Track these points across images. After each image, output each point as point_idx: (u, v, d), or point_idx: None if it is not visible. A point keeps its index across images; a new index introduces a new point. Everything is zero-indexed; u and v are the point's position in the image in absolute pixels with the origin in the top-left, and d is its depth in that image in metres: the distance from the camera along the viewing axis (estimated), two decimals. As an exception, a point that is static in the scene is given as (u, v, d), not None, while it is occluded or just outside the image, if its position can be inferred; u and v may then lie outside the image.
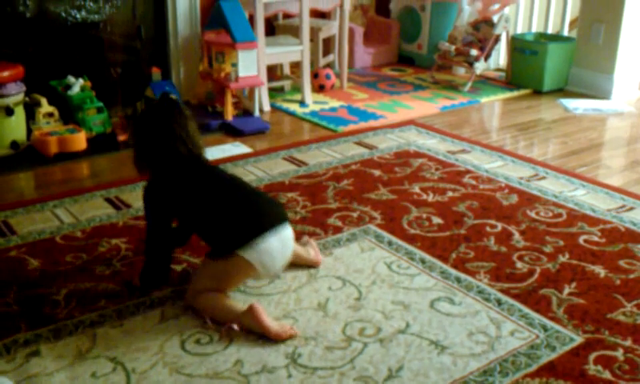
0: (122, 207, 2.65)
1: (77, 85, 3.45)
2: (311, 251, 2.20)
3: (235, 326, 1.85)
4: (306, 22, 4.03)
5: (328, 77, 4.40)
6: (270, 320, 1.83)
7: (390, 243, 2.36)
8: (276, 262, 1.90)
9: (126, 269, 2.18)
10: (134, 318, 1.92)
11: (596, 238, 2.41)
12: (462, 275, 2.15)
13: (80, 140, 3.21)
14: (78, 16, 3.78)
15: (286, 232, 1.93)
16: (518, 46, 4.58)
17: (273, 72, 4.41)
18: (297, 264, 2.16)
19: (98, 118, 3.39)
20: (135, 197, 2.72)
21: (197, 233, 2.00)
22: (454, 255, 2.28)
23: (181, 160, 1.97)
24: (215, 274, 1.91)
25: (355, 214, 2.58)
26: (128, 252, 2.29)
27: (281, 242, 1.90)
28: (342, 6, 4.41)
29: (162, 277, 2.06)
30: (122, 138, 3.38)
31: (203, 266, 1.98)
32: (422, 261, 2.24)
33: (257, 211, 1.92)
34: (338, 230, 2.46)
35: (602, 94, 4.33)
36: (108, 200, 2.71)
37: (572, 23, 4.99)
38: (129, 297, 2.02)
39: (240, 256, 1.85)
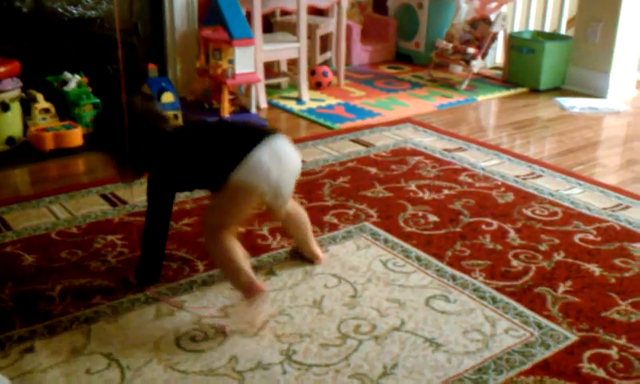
0: (117, 203, 2.64)
1: (73, 81, 3.44)
2: (316, 246, 2.21)
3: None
4: (304, 19, 4.02)
5: (325, 74, 4.40)
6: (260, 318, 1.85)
7: (385, 241, 2.36)
8: (272, 175, 1.84)
9: (121, 265, 2.18)
10: (129, 315, 1.92)
11: (591, 237, 2.42)
12: (458, 273, 2.16)
13: (76, 136, 3.20)
14: (74, 12, 3.77)
15: (278, 143, 1.89)
16: (515, 45, 4.58)
17: (270, 69, 4.41)
18: (301, 253, 2.20)
19: (94, 113, 3.38)
20: (131, 193, 2.72)
21: (201, 187, 2.05)
22: (449, 253, 2.28)
23: (168, 135, 1.97)
24: (220, 207, 1.88)
25: (351, 212, 2.58)
26: (123, 248, 2.29)
27: (273, 154, 1.85)
28: (339, 4, 4.41)
29: (156, 271, 2.05)
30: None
31: (209, 204, 1.97)
32: (418, 258, 2.25)
33: (242, 133, 1.92)
34: (334, 227, 2.46)
35: (599, 92, 4.34)
36: (104, 196, 2.71)
37: (569, 22, 4.99)
38: (124, 293, 2.01)
39: (234, 180, 1.82)
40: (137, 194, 2.71)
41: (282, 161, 1.87)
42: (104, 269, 2.16)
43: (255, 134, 1.90)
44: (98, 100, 3.41)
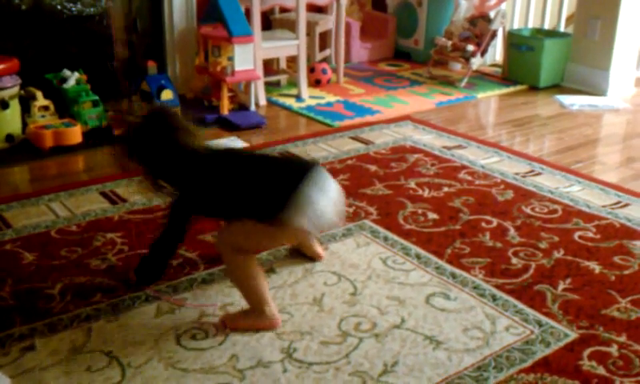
0: (117, 201, 2.64)
1: (72, 78, 3.43)
2: (317, 244, 2.21)
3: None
4: (303, 16, 4.02)
5: (324, 71, 4.40)
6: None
7: (385, 238, 2.36)
8: (321, 215, 1.75)
9: (121, 263, 2.18)
10: (129, 313, 1.92)
11: (591, 234, 2.42)
12: (457, 271, 2.16)
13: (75, 133, 3.20)
14: (73, 9, 3.77)
15: (321, 176, 1.80)
16: (514, 42, 4.58)
17: (269, 66, 4.40)
18: (302, 252, 2.20)
19: (93, 111, 3.38)
20: (130, 191, 2.71)
21: (233, 216, 1.88)
22: (449, 251, 2.28)
23: (198, 157, 1.89)
24: (256, 236, 1.82)
25: (351, 209, 2.58)
26: (123, 246, 2.29)
27: (318, 189, 1.76)
28: (338, 1, 4.40)
29: (159, 273, 2.05)
30: (117, 131, 3.37)
31: (246, 225, 1.82)
32: (418, 256, 2.25)
33: (285, 167, 1.84)
34: (333, 225, 2.46)
35: (598, 90, 4.33)
36: (103, 194, 2.71)
37: (569, 19, 4.99)
38: (125, 291, 2.01)
39: (284, 219, 1.73)
40: (133, 192, 2.71)
41: (326, 195, 1.78)
42: (104, 267, 2.16)
43: (299, 167, 1.83)
44: (97, 97, 3.40)
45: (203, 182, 1.88)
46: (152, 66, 3.54)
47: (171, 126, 1.90)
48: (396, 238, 2.37)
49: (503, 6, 4.64)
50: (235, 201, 1.84)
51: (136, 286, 2.03)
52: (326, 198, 1.78)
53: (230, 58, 3.69)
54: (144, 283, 2.04)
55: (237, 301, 1.97)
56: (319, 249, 2.21)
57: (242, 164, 1.91)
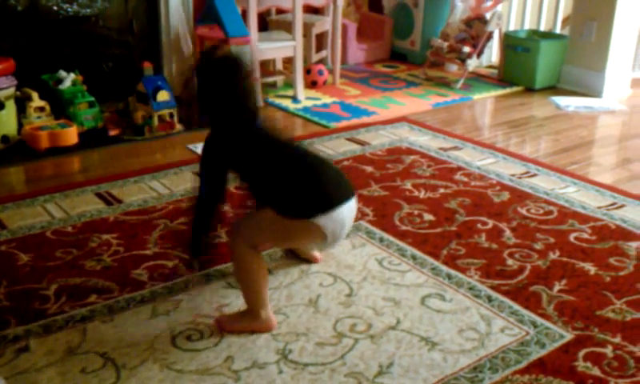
0: (112, 202, 2.64)
1: (68, 79, 3.43)
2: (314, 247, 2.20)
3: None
4: (299, 18, 4.02)
5: (320, 73, 4.40)
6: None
7: (381, 239, 2.36)
8: (343, 233, 1.83)
9: (117, 264, 2.17)
10: (124, 314, 1.91)
11: (586, 236, 2.42)
12: (453, 272, 2.16)
13: (71, 134, 3.20)
14: (69, 10, 3.76)
15: (353, 204, 1.86)
16: (510, 43, 4.59)
17: (265, 67, 4.40)
18: (299, 255, 2.20)
19: (89, 112, 3.38)
20: (126, 191, 2.71)
21: (258, 190, 1.90)
22: (445, 252, 2.29)
23: (246, 116, 1.91)
24: (278, 230, 1.82)
25: (347, 211, 2.58)
26: (119, 247, 2.28)
27: (350, 213, 1.84)
28: (335, 2, 4.41)
29: (209, 245, 2.04)
30: (113, 132, 3.37)
31: (263, 216, 1.84)
32: (413, 257, 2.25)
33: (335, 181, 1.86)
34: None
35: (594, 91, 4.34)
36: (99, 195, 2.70)
37: (565, 21, 5.00)
38: (120, 292, 2.01)
39: (315, 223, 1.76)
40: (129, 193, 2.71)
41: (348, 219, 1.84)
42: (99, 268, 2.15)
43: (344, 185, 1.87)
44: (93, 98, 3.40)
45: (253, 138, 1.89)
46: (148, 68, 3.54)
47: (241, 71, 1.91)
48: (392, 239, 2.37)
49: (499, 7, 4.65)
50: (274, 175, 1.84)
51: (191, 263, 2.09)
52: (348, 222, 1.84)
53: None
54: (199, 255, 2.06)
55: (233, 301, 1.97)
56: (315, 252, 2.20)
57: (294, 146, 1.96)
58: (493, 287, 2.07)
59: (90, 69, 3.76)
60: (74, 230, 2.41)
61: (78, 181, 2.87)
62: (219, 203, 1.98)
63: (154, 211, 2.55)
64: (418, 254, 2.27)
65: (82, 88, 3.43)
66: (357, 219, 2.50)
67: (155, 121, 3.43)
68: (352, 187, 1.89)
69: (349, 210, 1.83)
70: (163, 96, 3.45)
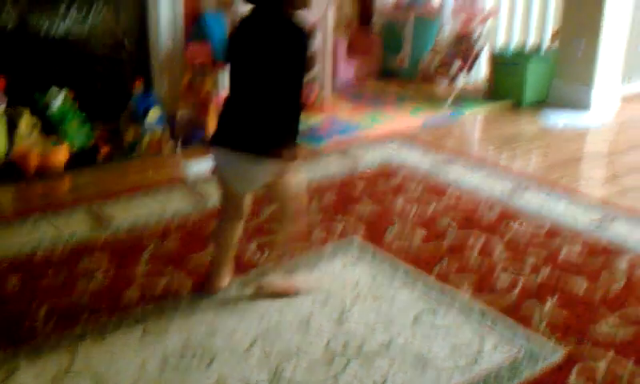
0: (103, 222, 2.62)
1: (58, 99, 3.40)
2: (279, 281, 2.15)
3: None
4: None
5: (310, 90, 4.40)
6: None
7: (373, 256, 2.36)
8: (229, 175, 2.00)
9: (108, 284, 2.16)
10: (115, 334, 1.90)
11: (578, 250, 2.43)
12: (446, 287, 2.16)
13: (62, 153, 3.18)
14: (60, 28, 3.76)
15: (244, 157, 1.93)
16: (498, 60, 4.62)
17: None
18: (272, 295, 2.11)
19: (80, 130, 3.36)
20: (117, 210, 2.70)
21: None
22: (437, 268, 2.28)
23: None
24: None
25: (339, 227, 2.58)
26: (110, 268, 2.27)
27: (236, 161, 1.95)
28: (325, 19, 4.42)
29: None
30: (104, 151, 3.36)
31: (288, 163, 2.00)
32: (406, 273, 2.24)
33: (236, 127, 1.97)
34: (321, 242, 2.45)
35: (583, 106, 4.37)
36: (90, 214, 2.69)
37: (553, 36, 5.03)
38: (110, 313, 1.99)
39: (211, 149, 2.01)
40: (119, 213, 2.70)
41: (232, 164, 2.01)
42: (90, 288, 2.14)
43: (241, 138, 1.98)
44: (83, 116, 3.38)
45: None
46: (138, 86, 3.53)
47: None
48: (384, 255, 2.37)
49: (487, 24, 4.68)
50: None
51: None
52: (234, 161, 1.98)
53: (216, 81, 3.68)
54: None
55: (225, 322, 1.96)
56: (281, 283, 2.14)
57: (249, 70, 2.04)
58: (485, 303, 2.07)
59: (82, 86, 3.75)
60: (64, 250, 2.40)
61: (68, 200, 2.85)
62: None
63: (145, 230, 2.53)
64: (411, 269, 2.27)
65: (73, 106, 3.41)
66: (349, 236, 2.50)
67: (146, 139, 3.42)
68: (252, 143, 1.92)
69: (235, 157, 1.94)
70: (154, 113, 3.45)
